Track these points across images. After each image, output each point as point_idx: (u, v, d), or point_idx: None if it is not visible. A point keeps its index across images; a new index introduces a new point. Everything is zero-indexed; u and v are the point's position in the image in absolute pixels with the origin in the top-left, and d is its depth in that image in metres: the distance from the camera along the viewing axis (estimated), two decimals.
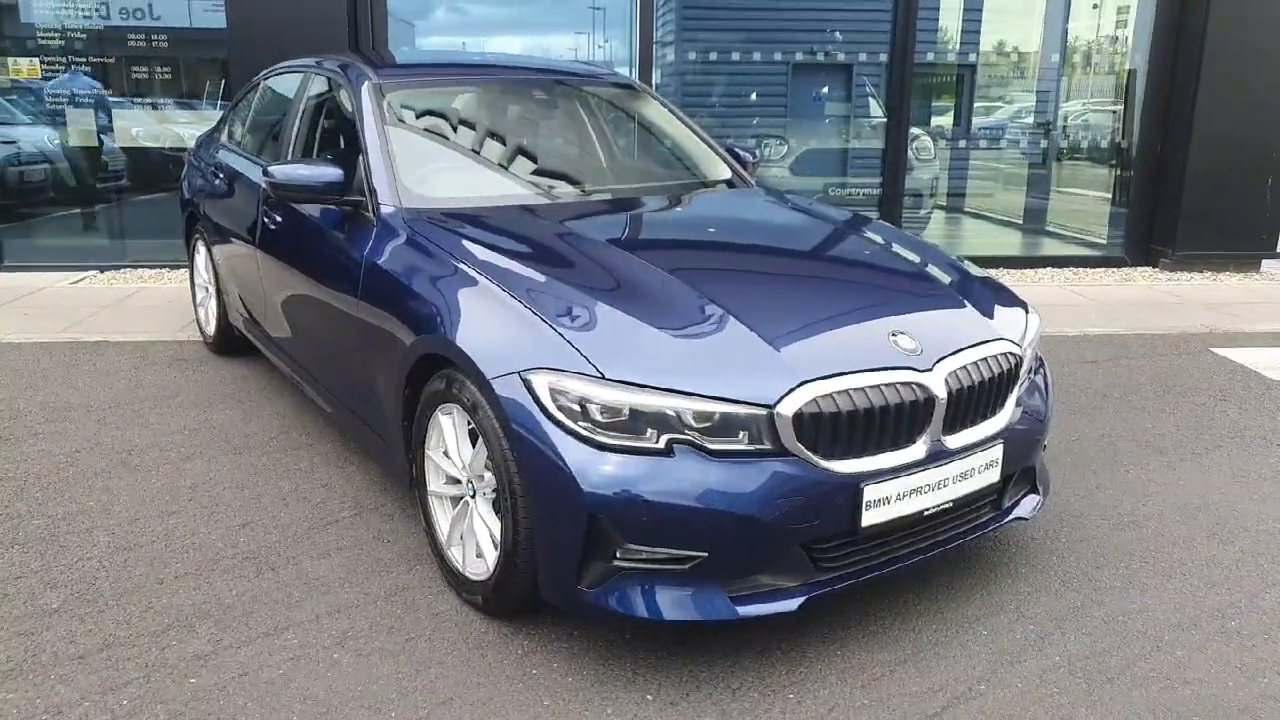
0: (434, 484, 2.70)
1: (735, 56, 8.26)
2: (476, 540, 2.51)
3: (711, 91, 8.56)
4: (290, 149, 3.80)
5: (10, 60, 7.01)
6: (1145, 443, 3.90)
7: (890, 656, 2.41)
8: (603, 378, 2.16)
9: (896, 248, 3.05)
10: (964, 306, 2.66)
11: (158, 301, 5.97)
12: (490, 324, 2.41)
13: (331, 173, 3.10)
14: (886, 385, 2.26)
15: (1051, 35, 9.37)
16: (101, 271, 6.86)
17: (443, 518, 2.69)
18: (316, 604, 2.60)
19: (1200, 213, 7.38)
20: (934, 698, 2.26)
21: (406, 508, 3.15)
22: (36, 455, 3.58)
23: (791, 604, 2.22)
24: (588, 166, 3.77)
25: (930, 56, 8.97)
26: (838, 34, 9.45)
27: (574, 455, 2.14)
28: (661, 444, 2.13)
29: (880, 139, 8.28)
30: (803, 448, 2.17)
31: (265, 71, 4.54)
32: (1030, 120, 9.23)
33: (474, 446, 2.48)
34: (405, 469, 2.84)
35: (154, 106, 7.36)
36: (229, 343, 4.70)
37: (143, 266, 6.94)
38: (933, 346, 2.40)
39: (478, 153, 3.55)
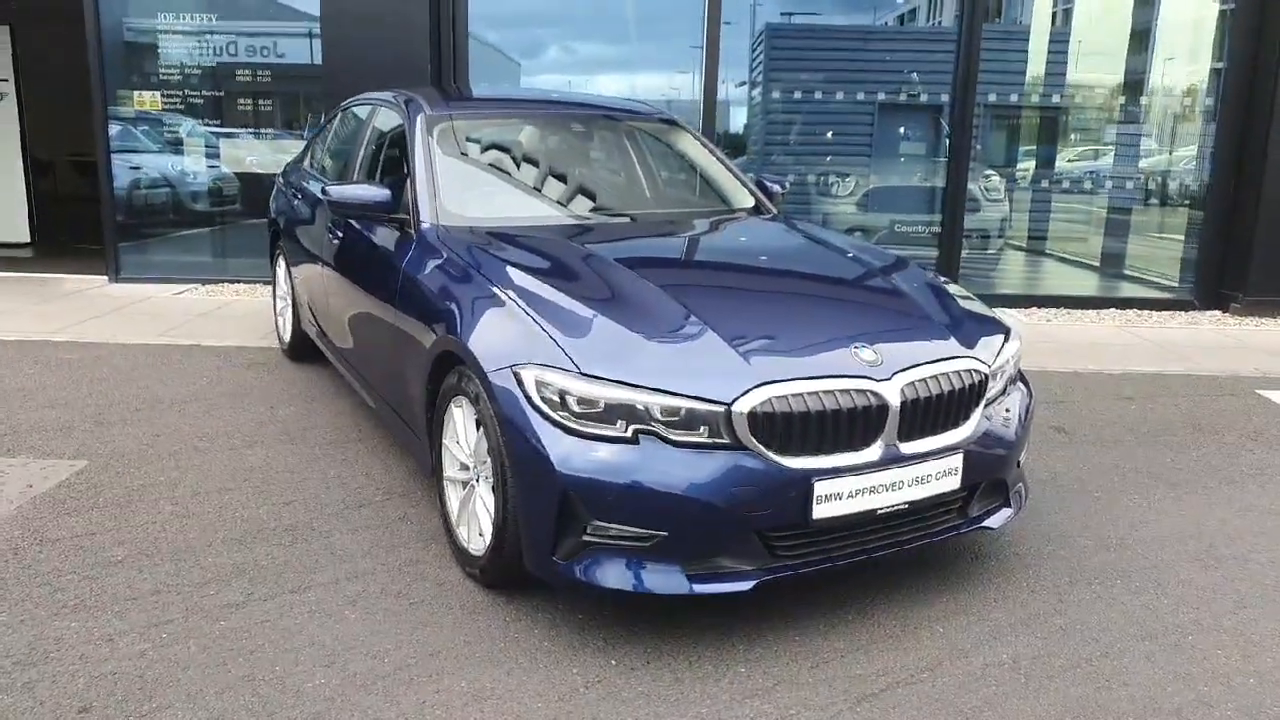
0: (449, 470, 3.02)
1: (817, 95, 8.51)
2: (478, 519, 2.81)
3: (791, 129, 8.82)
4: (356, 172, 4.23)
5: (135, 93, 7.79)
6: (1158, 475, 3.96)
7: (844, 645, 2.60)
8: (580, 373, 2.45)
9: (890, 275, 3.25)
10: (935, 327, 2.85)
11: (247, 312, 6.54)
12: (496, 326, 2.73)
13: (379, 192, 3.50)
14: (841, 391, 2.48)
15: (1132, 81, 9.33)
16: (203, 285, 7.51)
17: (454, 500, 3.00)
18: (338, 570, 2.93)
19: (1273, 257, 7.25)
20: (875, 681, 2.44)
21: (430, 495, 3.48)
22: (123, 437, 4.05)
23: (744, 585, 2.45)
24: (616, 193, 4.09)
25: (1014, 98, 9.07)
26: (915, 75, 9.63)
27: (551, 440, 2.43)
28: (629, 433, 2.40)
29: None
30: (756, 442, 2.40)
31: (343, 103, 5.03)
32: (1104, 162, 9.19)
33: (478, 434, 2.79)
34: (429, 458, 3.17)
35: (259, 136, 8.05)
36: (302, 349, 5.16)
37: (240, 281, 7.57)
38: (893, 360, 2.60)
39: (513, 178, 3.92)
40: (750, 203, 4.09)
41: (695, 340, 2.58)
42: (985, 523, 2.85)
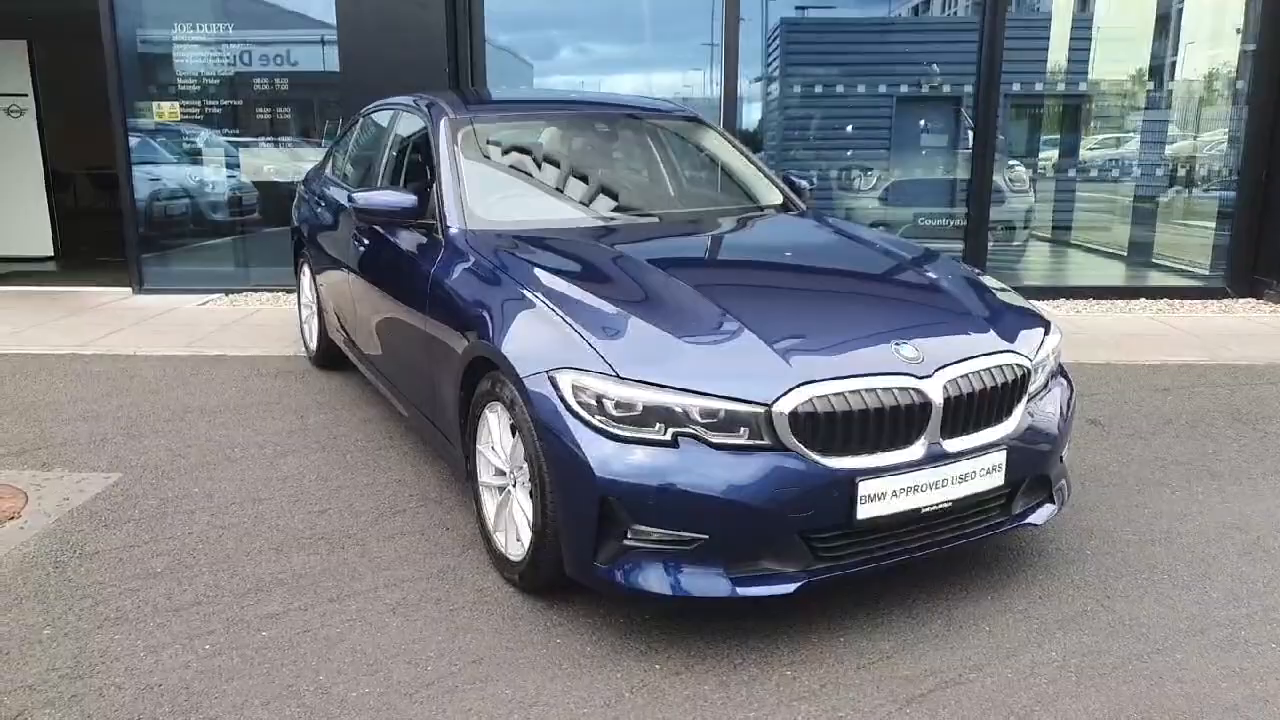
0: (484, 476, 3.00)
1: (838, 89, 8.44)
2: (516, 525, 2.80)
3: (810, 124, 8.76)
4: (380, 178, 4.23)
5: (154, 104, 7.84)
6: (1200, 467, 3.89)
7: (890, 645, 2.57)
8: (618, 376, 2.42)
9: (925, 269, 3.21)
10: (976, 322, 2.81)
11: (272, 321, 6.56)
12: (529, 331, 2.71)
13: (406, 198, 3.49)
14: (883, 389, 2.44)
15: (1157, 66, 9.22)
16: (226, 295, 7.55)
17: (490, 505, 2.98)
18: (376, 578, 2.93)
19: None
20: (924, 681, 2.40)
21: (465, 500, 3.47)
22: (155, 448, 4.07)
23: (789, 587, 2.42)
24: (644, 193, 4.07)
25: (1039, 87, 8.98)
26: (935, 66, 9.55)
27: (590, 444, 2.41)
28: (667, 436, 2.38)
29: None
30: (799, 443, 2.37)
31: (364, 110, 5.03)
32: (1132, 151, 9.07)
33: (514, 440, 2.78)
34: (463, 463, 3.16)
35: (277, 144, 8.08)
36: (328, 357, 5.17)
37: (263, 290, 7.59)
38: (934, 356, 2.56)
39: (541, 181, 3.90)
40: (778, 200, 4.06)
41: (732, 340, 2.55)
42: (1029, 520, 2.81)
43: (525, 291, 2.84)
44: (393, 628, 2.64)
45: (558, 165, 4.00)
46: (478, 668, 2.45)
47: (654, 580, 2.41)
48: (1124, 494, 3.61)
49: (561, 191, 3.86)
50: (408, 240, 3.65)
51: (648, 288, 2.85)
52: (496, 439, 2.87)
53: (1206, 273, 8.00)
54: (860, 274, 3.25)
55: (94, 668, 2.45)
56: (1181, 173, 8.76)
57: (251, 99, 7.86)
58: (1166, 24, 9.09)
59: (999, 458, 2.62)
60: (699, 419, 2.38)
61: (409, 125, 4.22)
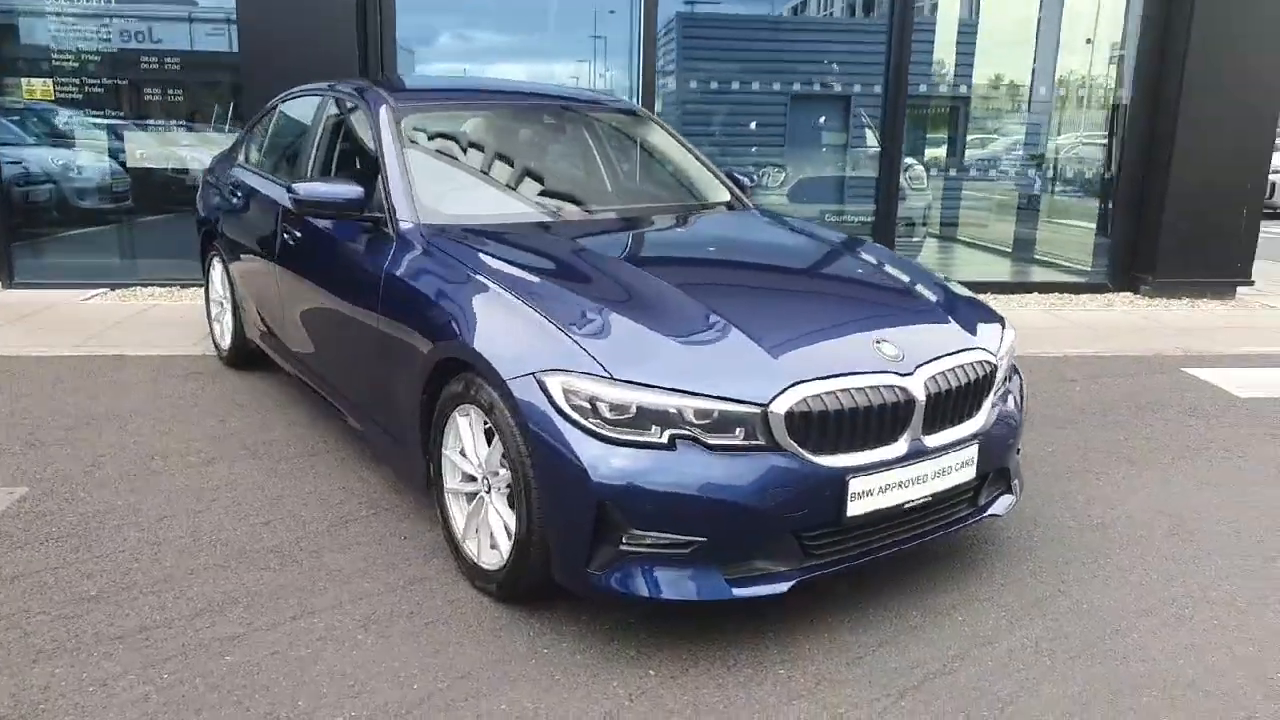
0: (451, 482, 2.89)
1: (735, 86, 8.51)
2: (491, 532, 2.71)
3: (711, 120, 8.82)
4: (310, 168, 4.01)
5: (24, 81, 7.23)
6: (1117, 454, 4.12)
7: (873, 638, 2.61)
8: (611, 378, 2.37)
9: (884, 265, 3.28)
10: (944, 318, 2.89)
11: (171, 318, 6.16)
12: (507, 330, 2.62)
13: (352, 190, 3.32)
14: (870, 388, 2.47)
15: (1041, 71, 9.71)
16: (112, 289, 7.04)
17: (458, 513, 2.88)
18: (339, 592, 2.78)
19: (1179, 241, 7.65)
20: (912, 673, 2.45)
21: (421, 507, 3.34)
22: (63, 459, 3.75)
23: (782, 587, 2.42)
24: (595, 187, 4.01)
25: (923, 89, 9.30)
26: (835, 65, 9.79)
27: (584, 449, 2.35)
28: (664, 439, 2.34)
29: (873, 168, 8.58)
30: (794, 443, 2.38)
31: (282, 95, 4.77)
32: (1019, 151, 9.54)
33: (489, 445, 2.68)
34: (422, 469, 3.03)
35: (162, 129, 7.58)
36: (243, 356, 4.89)
37: (154, 284, 7.12)
38: (913, 353, 2.62)
39: (489, 173, 3.79)
40: (725, 196, 4.06)
41: (723, 340, 2.53)
42: (992, 510, 2.90)
43: (499, 289, 2.75)
44: (367, 645, 2.52)
45: (505, 157, 3.89)
46: (467, 683, 2.36)
47: (650, 584, 2.38)
48: (1056, 482, 3.78)
49: (511, 184, 3.76)
50: (350, 234, 3.47)
51: (627, 285, 2.80)
52: (469, 443, 2.76)
53: (1088, 269, 8.49)
54: (829, 272, 3.30)
55: (37, 707, 2.24)
56: (1070, 174, 9.27)
57: (138, 79, 7.35)
58: (1046, 29, 9.59)
59: (972, 452, 2.70)
60: (694, 420, 2.35)
61: (340, 113, 4.02)
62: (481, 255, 2.99)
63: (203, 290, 5.38)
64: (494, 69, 8.75)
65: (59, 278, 7.18)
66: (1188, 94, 7.39)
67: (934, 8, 9.46)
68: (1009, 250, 9.36)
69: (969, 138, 10.41)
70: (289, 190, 3.38)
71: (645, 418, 2.35)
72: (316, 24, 6.63)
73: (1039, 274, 8.86)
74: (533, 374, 2.46)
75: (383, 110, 3.64)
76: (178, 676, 2.36)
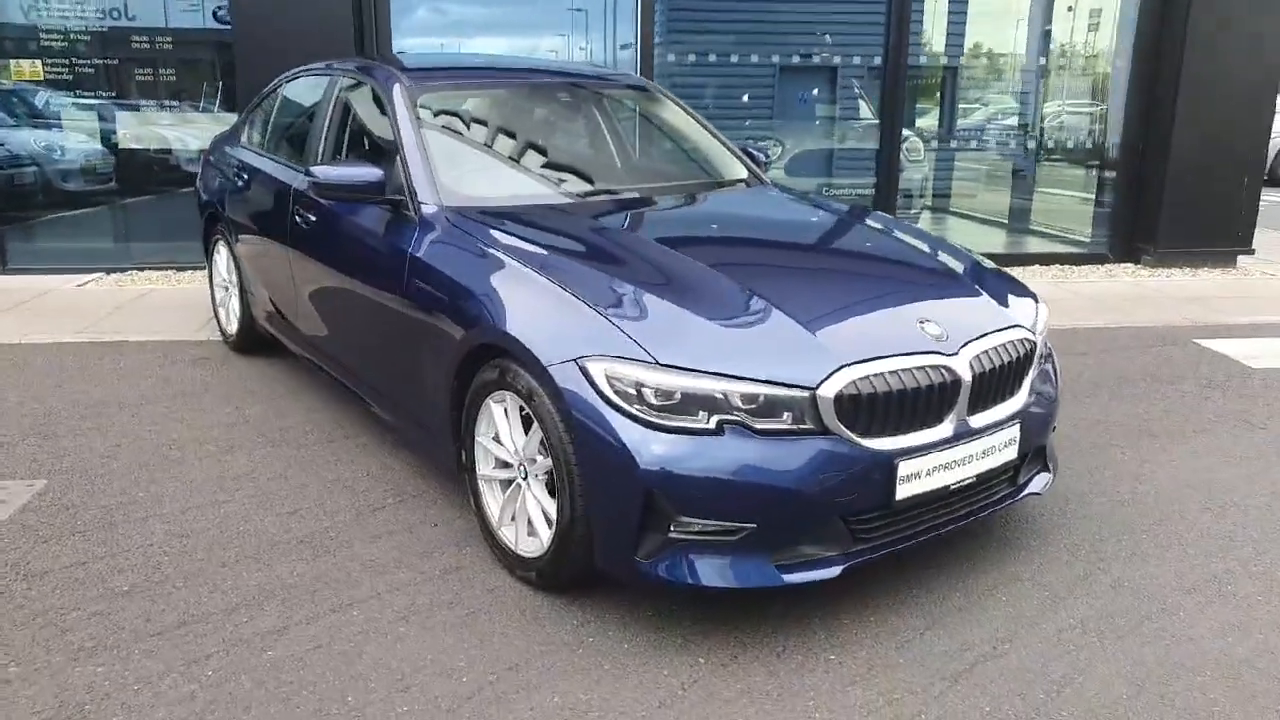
0: (484, 469, 2.85)
1: (726, 58, 8.39)
2: (529, 519, 2.67)
3: (701, 93, 8.71)
4: (321, 150, 3.92)
5: (12, 63, 7.07)
6: (1138, 428, 4.11)
7: (920, 622, 2.59)
8: (656, 363, 2.32)
9: (915, 242, 3.24)
10: (982, 296, 2.85)
11: (172, 303, 6.06)
12: (545, 316, 2.57)
13: (372, 173, 3.24)
14: (917, 368, 2.44)
15: (1037, 40, 9.64)
16: (108, 274, 6.92)
17: (493, 501, 2.84)
18: (375, 583, 2.74)
19: (1180, 211, 7.64)
20: (962, 656, 2.44)
21: (449, 493, 3.30)
22: (78, 450, 3.68)
23: (833, 571, 2.40)
24: (614, 166, 3.94)
25: (920, 60, 9.22)
26: (826, 36, 9.68)
27: (630, 435, 2.30)
28: (712, 424, 2.30)
29: (870, 140, 8.50)
30: (843, 427, 2.34)
31: (285, 76, 4.66)
32: (1017, 122, 9.49)
33: (527, 432, 2.64)
34: (453, 456, 2.99)
35: (147, 109, 7.43)
36: (251, 341, 4.81)
37: (150, 268, 7.00)
38: (957, 332, 2.58)
39: (508, 153, 3.71)
40: (742, 173, 4.00)
41: (766, 322, 2.49)
42: (1031, 489, 2.88)
43: (533, 273, 2.69)
44: (411, 637, 2.48)
45: (521, 137, 3.82)
46: (517, 675, 2.33)
47: (700, 572, 2.35)
48: (1081, 457, 3.77)
49: (529, 165, 3.69)
50: (370, 218, 3.40)
51: (662, 267, 2.75)
52: (503, 430, 2.72)
53: (1087, 240, 8.47)
54: (862, 250, 3.25)
55: (83, 709, 2.19)
56: (1069, 145, 9.22)
57: (130, 59, 7.19)
58: (1049, 7, 9.52)
59: (1014, 431, 2.68)
60: (740, 405, 2.31)
61: (352, 92, 3.93)
62: (510, 238, 2.93)
63: (204, 274, 5.29)
64: (470, 43, 8.57)
65: (53, 262, 7.05)
66: (1188, 63, 7.34)
67: None
68: (1007, 222, 9.33)
69: (966, 108, 10.35)
70: (307, 174, 3.31)
71: (691, 403, 2.31)
72: (312, 7, 6.49)
73: (1038, 245, 8.83)
74: (574, 360, 2.41)
75: (397, 89, 3.55)
76: (221, 674, 2.32)
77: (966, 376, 2.51)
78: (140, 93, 7.33)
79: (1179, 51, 7.37)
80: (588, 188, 3.61)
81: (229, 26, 7.16)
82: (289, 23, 6.46)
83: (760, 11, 8.84)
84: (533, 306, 2.61)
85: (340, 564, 2.84)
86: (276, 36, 6.41)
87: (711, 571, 2.35)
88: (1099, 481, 3.54)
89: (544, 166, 3.70)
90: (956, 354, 2.52)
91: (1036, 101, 9.33)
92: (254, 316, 4.67)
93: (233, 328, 4.93)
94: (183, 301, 6.04)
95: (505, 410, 2.70)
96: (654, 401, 2.31)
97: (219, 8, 7.35)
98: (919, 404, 2.44)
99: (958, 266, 3.05)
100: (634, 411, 2.32)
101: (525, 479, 2.69)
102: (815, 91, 9.74)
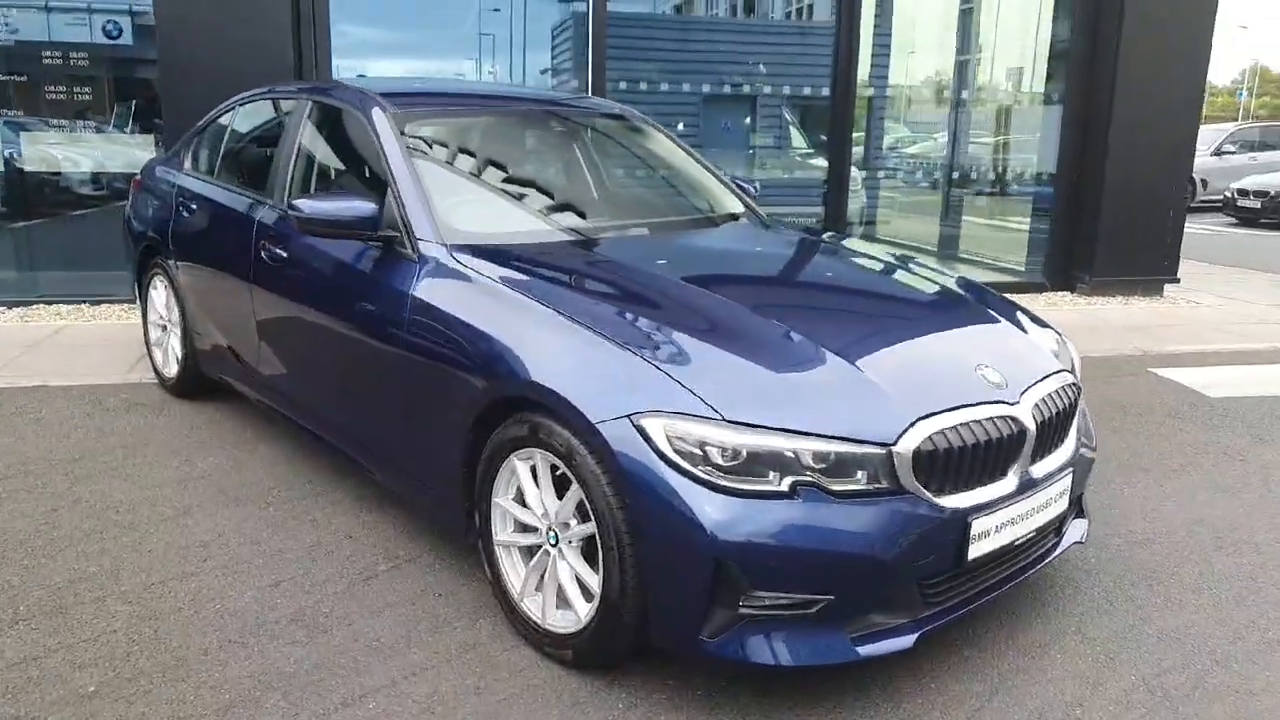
0: (502, 533, 2.59)
1: (643, 86, 8.27)
2: (562, 591, 2.42)
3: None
4: (289, 181, 3.59)
5: None
6: (1128, 463, 4.10)
7: (982, 687, 2.45)
8: (723, 420, 2.12)
9: (944, 280, 3.13)
10: (1028, 338, 2.75)
11: (90, 339, 5.56)
12: (587, 367, 2.34)
13: (365, 207, 2.96)
14: (987, 419, 2.30)
15: (965, 73, 9.89)
16: (10, 308, 6.33)
17: (512, 569, 2.59)
18: (388, 668, 2.44)
19: (1113, 242, 7.88)
20: None
21: (447, 558, 3.01)
22: (9, 516, 3.25)
23: (908, 640, 2.23)
24: (614, 200, 3.73)
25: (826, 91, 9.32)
26: (758, 66, 9.73)
27: (698, 501, 2.09)
28: (785, 486, 2.11)
29: (807, 170, 8.53)
30: (919, 485, 2.18)
31: (238, 99, 4.30)
32: (950, 154, 9.69)
33: (559, 494, 2.40)
34: (461, 519, 2.72)
35: (45, 128, 6.91)
36: (193, 385, 4.41)
37: (59, 301, 6.43)
38: (1014, 379, 2.46)
39: (504, 186, 3.46)
40: (738, 206, 3.84)
41: (829, 372, 2.31)
42: (1073, 538, 2.78)
43: (566, 318, 2.45)
44: None
45: (517, 168, 3.57)
46: None
47: (773, 650, 2.14)
48: (1088, 493, 3.71)
49: (528, 198, 3.45)
50: (356, 255, 3.10)
51: (702, 310, 2.55)
52: (530, 492, 2.47)
53: (1023, 268, 8.67)
54: (898, 291, 3.10)
55: None
56: (1009, 176, 9.43)
57: (37, 76, 6.65)
58: (969, 32, 9.78)
59: (1068, 480, 2.57)
60: (812, 464, 2.13)
61: (322, 119, 3.63)
62: (531, 279, 2.69)
63: (122, 308, 4.86)
64: (375, 66, 8.25)
65: None
66: (1118, 105, 7.62)
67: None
68: (949, 251, 9.48)
69: (897, 138, 10.54)
70: (290, 207, 3.00)
71: (760, 463, 2.11)
72: (248, 28, 6.09)
73: (978, 275, 8.97)
74: (628, 417, 2.18)
75: (381, 117, 3.27)
76: None
77: (1031, 426, 2.39)
78: (30, 110, 6.79)
79: (1110, 88, 7.62)
80: (591, 224, 3.39)
81: (118, 42, 6.76)
82: (221, 43, 6.05)
83: (680, 40, 8.85)
84: (571, 356, 2.38)
85: (342, 646, 2.53)
86: (206, 57, 6.01)
87: (785, 649, 2.15)
88: (1110, 520, 3.49)
89: (542, 200, 3.47)
90: (1018, 402, 2.40)
91: (965, 136, 9.56)
92: (199, 359, 4.27)
93: (171, 370, 4.52)
94: (103, 338, 5.55)
95: (533, 469, 2.45)
96: (720, 462, 2.11)
97: (109, 21, 6.92)
98: (988, 457, 2.31)
99: (996, 307, 2.94)
100: (699, 474, 2.11)
101: (555, 545, 2.44)
102: (747, 120, 9.79)
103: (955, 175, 9.54)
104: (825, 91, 8.06)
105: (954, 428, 2.24)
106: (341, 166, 3.55)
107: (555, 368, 2.36)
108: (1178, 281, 8.22)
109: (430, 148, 3.35)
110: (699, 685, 2.39)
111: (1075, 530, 2.82)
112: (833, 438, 2.14)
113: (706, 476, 2.11)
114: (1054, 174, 8.19)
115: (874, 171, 9.72)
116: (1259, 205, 15.29)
